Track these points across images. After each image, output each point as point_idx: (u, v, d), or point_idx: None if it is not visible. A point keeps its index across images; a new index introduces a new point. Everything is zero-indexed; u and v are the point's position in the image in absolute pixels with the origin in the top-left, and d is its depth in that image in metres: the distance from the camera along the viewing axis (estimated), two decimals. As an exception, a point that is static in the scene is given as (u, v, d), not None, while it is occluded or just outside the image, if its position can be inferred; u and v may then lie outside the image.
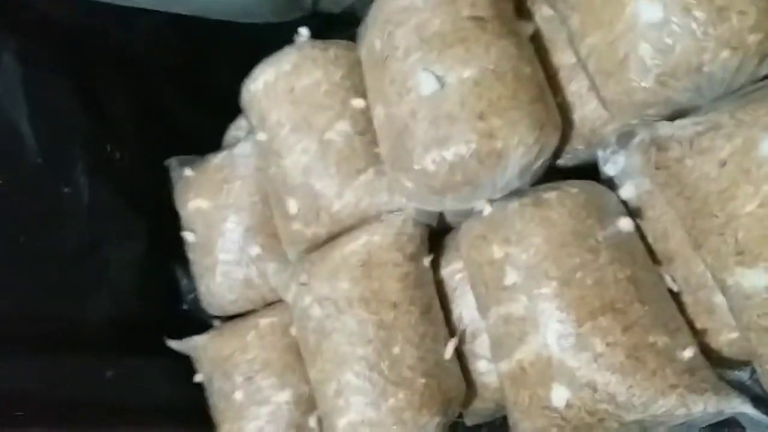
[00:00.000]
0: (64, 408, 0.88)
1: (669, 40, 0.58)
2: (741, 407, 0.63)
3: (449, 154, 0.71)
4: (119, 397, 0.99)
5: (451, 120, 0.71)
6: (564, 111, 0.78)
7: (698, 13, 0.56)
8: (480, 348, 0.86)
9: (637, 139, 0.63)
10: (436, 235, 0.93)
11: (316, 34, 0.93)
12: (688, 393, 0.64)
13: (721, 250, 0.55)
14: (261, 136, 0.88)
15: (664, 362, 0.65)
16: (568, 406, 0.68)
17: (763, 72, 0.59)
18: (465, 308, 0.87)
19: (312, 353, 0.86)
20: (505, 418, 0.87)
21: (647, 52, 0.59)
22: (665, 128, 0.58)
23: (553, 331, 0.68)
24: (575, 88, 0.77)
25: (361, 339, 0.81)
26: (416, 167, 0.74)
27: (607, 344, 0.66)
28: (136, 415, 1.00)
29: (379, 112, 0.79)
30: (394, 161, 0.77)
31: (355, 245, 0.86)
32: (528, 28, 0.79)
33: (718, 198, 0.54)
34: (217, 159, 1.03)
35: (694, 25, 0.56)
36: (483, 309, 0.78)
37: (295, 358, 0.95)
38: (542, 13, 0.79)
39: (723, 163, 0.53)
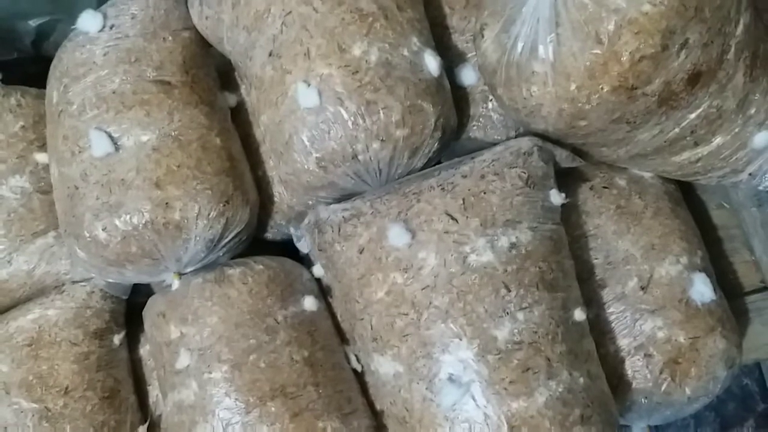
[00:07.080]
0: None
1: (324, 127, 0.59)
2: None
3: (121, 222, 0.65)
4: None
5: (125, 186, 0.65)
6: (265, 186, 0.77)
7: (349, 104, 0.58)
8: (173, 436, 0.78)
9: (305, 220, 0.63)
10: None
11: (36, 78, 0.81)
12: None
13: (363, 336, 0.56)
14: None
15: (329, 450, 0.63)
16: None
17: (417, 164, 0.63)
18: (163, 390, 0.80)
19: (-48, 453, 0.71)
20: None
21: (307, 136, 0.60)
22: (323, 212, 0.59)
23: (220, 420, 0.64)
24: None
25: (15, 434, 0.69)
26: (86, 235, 0.66)
27: (274, 433, 0.63)
28: None
29: (54, 171, 0.71)
30: (66, 226, 0.69)
31: (23, 321, 0.74)
32: (230, 100, 0.77)
33: (358, 284, 0.55)
34: None
35: (345, 115, 0.58)
36: (163, 395, 0.71)
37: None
38: (246, 86, 0.78)
39: (361, 250, 0.55)
